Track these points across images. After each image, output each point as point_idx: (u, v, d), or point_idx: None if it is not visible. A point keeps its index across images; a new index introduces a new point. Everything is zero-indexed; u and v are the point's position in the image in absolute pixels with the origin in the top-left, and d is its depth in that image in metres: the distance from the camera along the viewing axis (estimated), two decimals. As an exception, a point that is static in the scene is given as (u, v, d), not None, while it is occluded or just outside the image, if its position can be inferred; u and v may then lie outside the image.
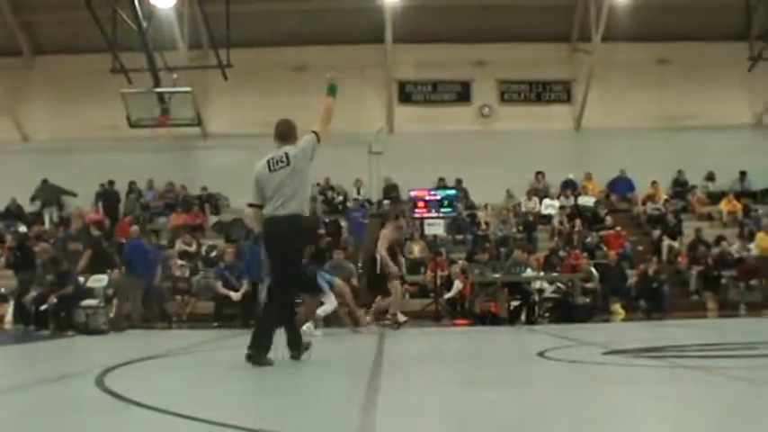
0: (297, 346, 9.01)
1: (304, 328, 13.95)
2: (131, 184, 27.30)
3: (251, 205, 9.22)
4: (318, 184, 26.94)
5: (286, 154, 8.88)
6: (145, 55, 22.91)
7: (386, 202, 26.47)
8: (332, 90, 9.67)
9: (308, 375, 8.18)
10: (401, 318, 16.18)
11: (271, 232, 8.89)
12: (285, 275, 9.00)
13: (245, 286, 19.22)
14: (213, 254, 22.99)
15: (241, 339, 14.42)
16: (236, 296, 19.13)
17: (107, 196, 26.77)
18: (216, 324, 18.97)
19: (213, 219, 26.23)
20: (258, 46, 26.53)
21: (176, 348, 12.12)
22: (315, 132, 9.15)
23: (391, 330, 15.44)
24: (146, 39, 22.53)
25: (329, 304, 15.12)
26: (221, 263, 20.40)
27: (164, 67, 24.10)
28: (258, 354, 8.32)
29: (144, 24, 22.41)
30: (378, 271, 16.38)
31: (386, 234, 16.36)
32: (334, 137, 26.16)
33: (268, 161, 8.93)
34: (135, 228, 21.13)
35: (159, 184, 27.72)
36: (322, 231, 23.88)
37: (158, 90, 23.32)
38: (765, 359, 8.20)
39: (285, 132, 9.18)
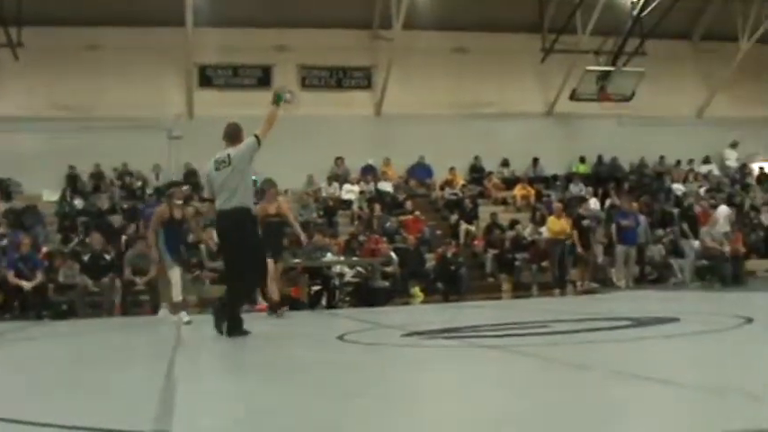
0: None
1: (176, 317, 13.28)
2: None
3: (204, 200, 10.71)
4: (115, 170, 26.25)
5: (228, 155, 10.07)
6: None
7: (185, 188, 25.97)
8: (278, 99, 10.51)
9: (105, 364, 7.99)
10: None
11: (221, 224, 10.11)
12: (249, 261, 9.98)
13: (39, 277, 18.58)
14: (3, 242, 22.02)
15: (34, 330, 13.96)
16: (28, 286, 18.41)
17: None
18: (8, 315, 18.24)
19: (4, 206, 25.07)
20: (52, 25, 25.41)
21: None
22: (256, 135, 10.25)
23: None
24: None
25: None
26: (15, 253, 19.55)
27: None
28: (237, 326, 9.66)
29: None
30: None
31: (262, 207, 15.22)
32: (131, 120, 25.72)
33: (215, 161, 10.14)
34: None
35: (-56, 168, 26.20)
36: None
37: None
38: (555, 336, 8.53)
39: (232, 134, 10.41)
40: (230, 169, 9.95)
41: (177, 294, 13.50)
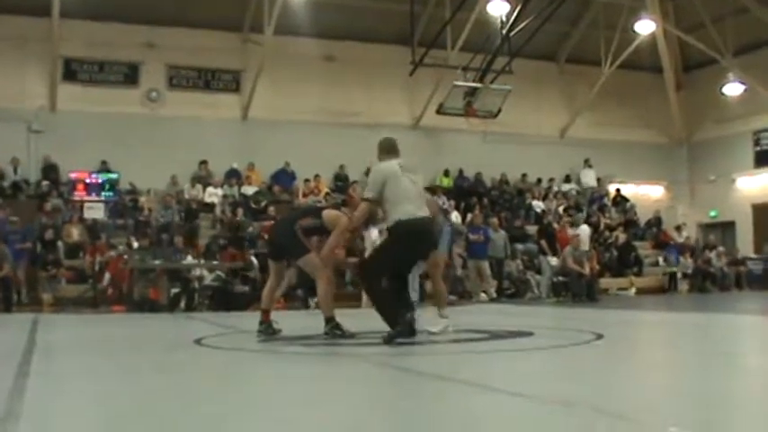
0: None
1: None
2: None
3: (368, 200, 9.25)
4: (-30, 161, 25.37)
5: (406, 165, 9.47)
6: None
7: (44, 183, 25.28)
8: None
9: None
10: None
11: (415, 230, 9.07)
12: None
13: None
14: None
15: None
16: None
17: None
18: None
19: None
20: None
21: None
22: None
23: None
24: None
25: None
26: None
27: None
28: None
29: None
30: None
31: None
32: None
33: (396, 162, 9.39)
34: None
35: None
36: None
37: None
38: (410, 346, 8.56)
39: (395, 148, 9.82)
40: (419, 177, 9.60)
41: None
